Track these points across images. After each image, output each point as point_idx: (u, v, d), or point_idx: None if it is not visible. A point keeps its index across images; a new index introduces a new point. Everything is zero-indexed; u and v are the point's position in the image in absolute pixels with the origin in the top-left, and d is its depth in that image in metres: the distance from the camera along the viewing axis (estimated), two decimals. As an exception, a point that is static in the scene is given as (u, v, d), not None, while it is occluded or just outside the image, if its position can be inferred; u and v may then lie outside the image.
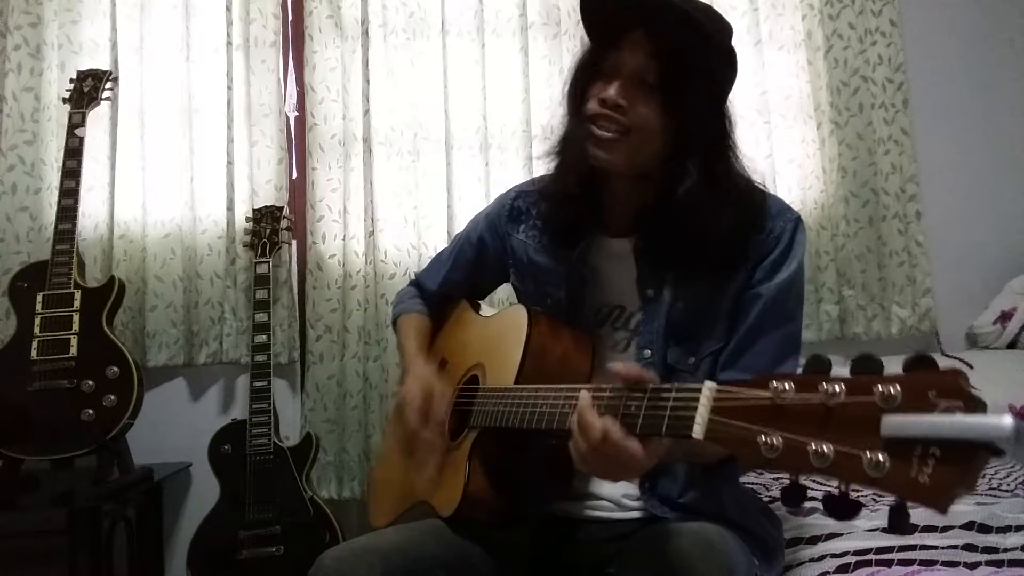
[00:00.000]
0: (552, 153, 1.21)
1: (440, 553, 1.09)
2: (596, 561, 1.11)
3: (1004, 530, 1.26)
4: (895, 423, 0.57)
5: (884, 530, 1.28)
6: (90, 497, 1.93)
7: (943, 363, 0.58)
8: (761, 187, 1.16)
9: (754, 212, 1.13)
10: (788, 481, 0.65)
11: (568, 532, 1.16)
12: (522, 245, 1.30)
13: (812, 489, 0.65)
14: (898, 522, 0.59)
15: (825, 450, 0.61)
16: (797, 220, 1.15)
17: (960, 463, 0.54)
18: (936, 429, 0.55)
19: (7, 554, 2.08)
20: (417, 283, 1.50)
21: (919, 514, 1.34)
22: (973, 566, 1.13)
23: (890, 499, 0.59)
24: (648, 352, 1.13)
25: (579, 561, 1.15)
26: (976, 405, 0.54)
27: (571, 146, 1.17)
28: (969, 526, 1.27)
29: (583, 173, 1.15)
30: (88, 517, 1.91)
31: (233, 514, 2.10)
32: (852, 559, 1.18)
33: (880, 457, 0.57)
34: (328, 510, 2.15)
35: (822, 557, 1.22)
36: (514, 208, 1.33)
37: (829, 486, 0.62)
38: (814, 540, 1.28)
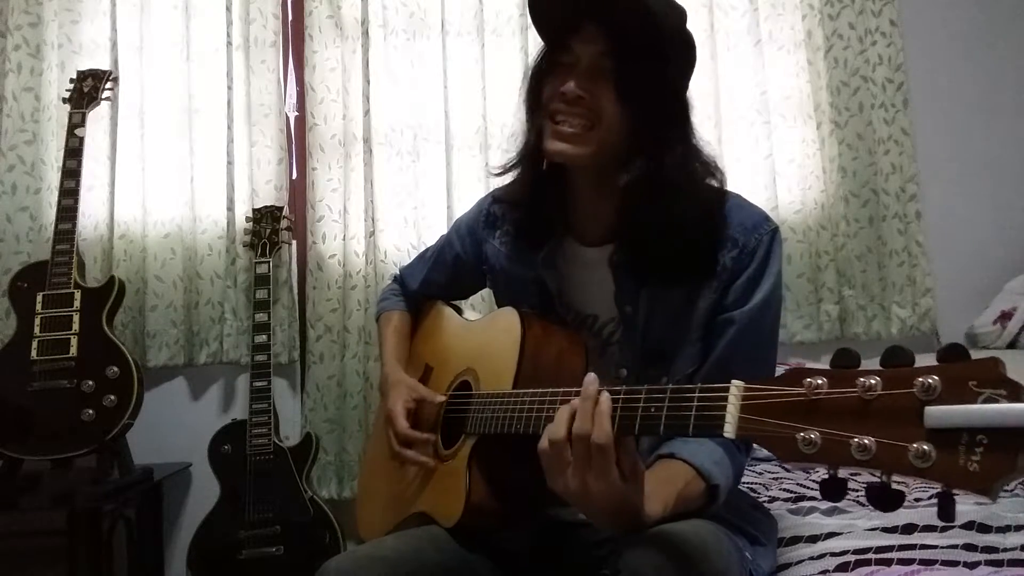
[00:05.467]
0: (516, 160, 1.20)
1: (441, 560, 1.08)
2: (592, 563, 1.11)
3: (1004, 530, 1.25)
4: (939, 414, 0.58)
5: (884, 530, 1.28)
6: (90, 497, 1.93)
7: (975, 354, 0.59)
8: (719, 183, 1.13)
9: (714, 207, 1.10)
10: (828, 476, 0.66)
11: (565, 536, 1.16)
12: (495, 252, 1.30)
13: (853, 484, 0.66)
14: (947, 510, 0.60)
15: (868, 443, 0.62)
16: (774, 232, 1.11)
17: (1009, 450, 0.55)
18: (983, 418, 0.56)
19: (7, 554, 2.08)
20: (401, 280, 1.51)
21: (918, 513, 1.33)
22: (973, 566, 1.13)
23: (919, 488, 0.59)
24: (625, 371, 1.12)
25: (577, 564, 1.15)
26: (1020, 392, 0.55)
27: (533, 148, 1.15)
28: (969, 526, 1.26)
29: (547, 174, 1.14)
30: (88, 517, 1.92)
31: (233, 514, 2.10)
32: (852, 558, 1.18)
33: (926, 447, 0.58)
34: (328, 510, 2.15)
35: (822, 555, 1.21)
36: (490, 214, 1.33)
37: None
38: (814, 539, 1.28)
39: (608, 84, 1.05)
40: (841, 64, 2.44)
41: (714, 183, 1.12)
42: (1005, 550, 1.18)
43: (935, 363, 0.61)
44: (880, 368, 0.64)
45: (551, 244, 1.19)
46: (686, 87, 1.12)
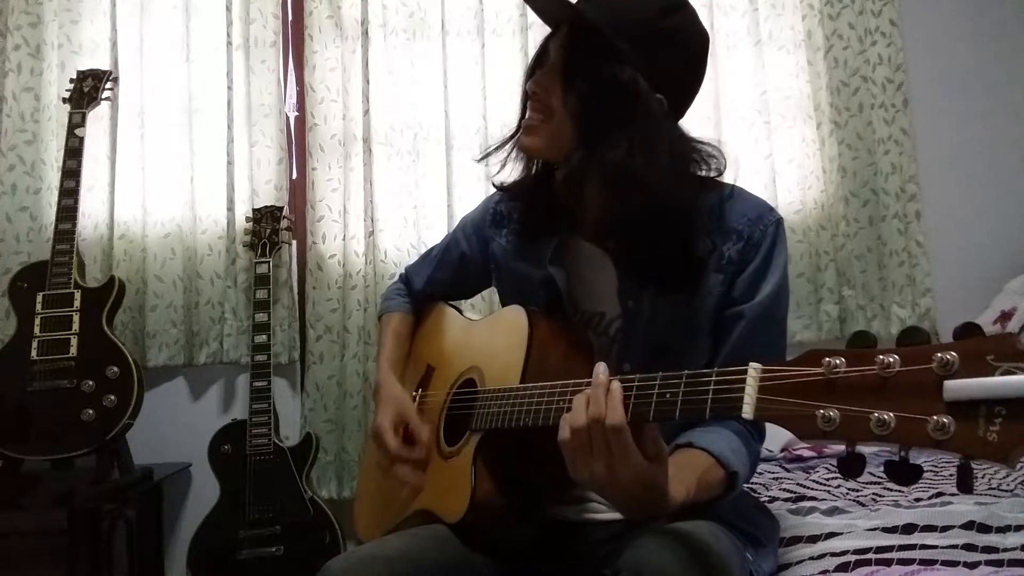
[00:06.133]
0: (506, 153, 1.23)
1: (443, 559, 1.08)
2: (594, 563, 1.11)
3: (1004, 530, 1.25)
4: (958, 387, 0.60)
5: (884, 530, 1.28)
6: (90, 497, 1.94)
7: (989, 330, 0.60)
8: (715, 171, 1.13)
9: (686, 201, 1.08)
10: (846, 452, 0.67)
11: (567, 535, 1.16)
12: (502, 250, 1.29)
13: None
14: (965, 481, 0.62)
15: (887, 418, 0.63)
16: (778, 223, 1.11)
17: None
18: (1001, 389, 0.58)
19: (7, 554, 2.08)
20: (406, 279, 1.51)
21: (918, 513, 1.33)
22: (973, 566, 1.13)
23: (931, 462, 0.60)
24: (628, 366, 1.11)
25: (578, 564, 1.15)
26: None
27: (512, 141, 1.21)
28: (969, 526, 1.26)
29: (533, 169, 1.19)
30: (88, 517, 1.92)
31: (233, 514, 2.10)
32: (852, 558, 1.18)
33: (945, 420, 0.60)
34: (328, 510, 2.15)
35: (822, 556, 1.21)
36: (496, 212, 1.33)
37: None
38: (814, 539, 1.28)
39: (561, 78, 1.09)
40: (841, 64, 2.43)
41: (702, 173, 1.11)
42: (1005, 550, 1.18)
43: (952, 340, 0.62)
44: (897, 347, 0.65)
45: (558, 241, 1.19)
46: (657, 80, 1.07)
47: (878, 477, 1.56)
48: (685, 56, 1.11)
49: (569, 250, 1.19)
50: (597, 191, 1.10)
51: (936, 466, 1.68)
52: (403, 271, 1.54)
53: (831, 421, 0.67)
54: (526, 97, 1.15)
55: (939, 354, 0.61)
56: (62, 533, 1.88)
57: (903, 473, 0.64)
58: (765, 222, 1.11)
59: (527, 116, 1.13)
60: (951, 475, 1.59)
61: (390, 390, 1.31)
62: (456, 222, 2.27)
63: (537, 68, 1.14)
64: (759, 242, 1.09)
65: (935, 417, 0.60)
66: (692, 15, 1.12)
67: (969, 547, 1.19)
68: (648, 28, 1.07)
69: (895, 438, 0.63)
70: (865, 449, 0.68)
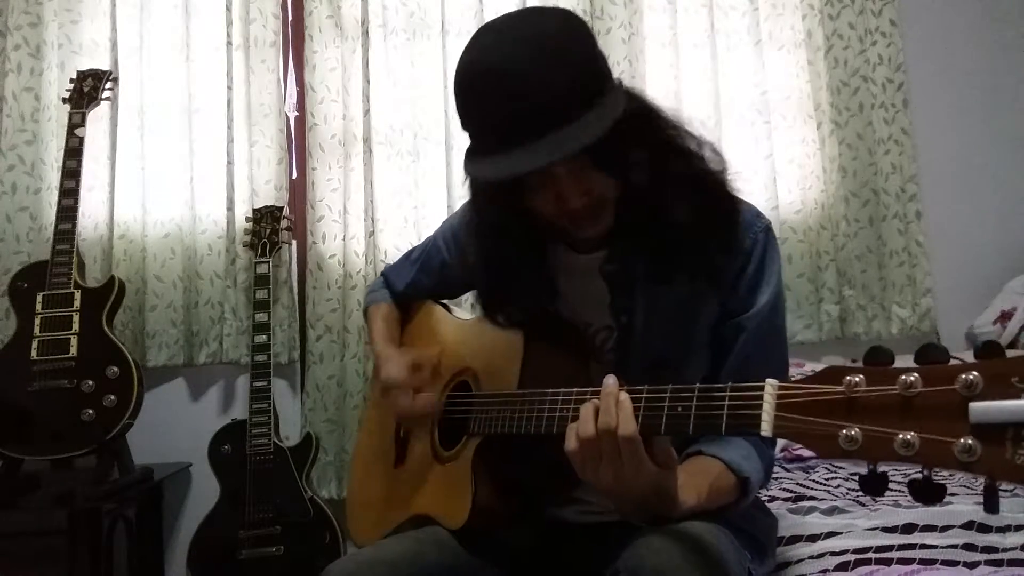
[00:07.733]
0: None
1: (443, 561, 1.08)
2: (595, 564, 1.11)
3: (1004, 530, 1.26)
4: (985, 409, 0.60)
5: (884, 529, 1.28)
6: (90, 497, 1.93)
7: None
8: (731, 190, 1.10)
9: (721, 210, 1.07)
10: (867, 471, 0.67)
11: (566, 537, 1.16)
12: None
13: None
14: (993, 502, 0.62)
15: (911, 439, 0.63)
16: (767, 230, 1.09)
17: None
18: None
19: (7, 554, 2.08)
20: (386, 280, 1.48)
21: (918, 513, 1.33)
22: (973, 565, 1.13)
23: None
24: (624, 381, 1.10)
25: (577, 564, 1.14)
26: None
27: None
28: (969, 526, 1.26)
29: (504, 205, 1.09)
30: (88, 517, 1.92)
31: (233, 514, 2.10)
32: (852, 557, 1.18)
33: (971, 442, 0.60)
34: (328, 510, 2.15)
35: (822, 555, 1.21)
36: None
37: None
38: (813, 538, 1.28)
39: (592, 172, 0.99)
40: (841, 64, 2.43)
41: (718, 174, 1.09)
42: (1005, 550, 1.18)
43: (973, 360, 0.62)
44: (918, 365, 0.65)
45: (550, 253, 1.16)
46: (622, 103, 0.99)
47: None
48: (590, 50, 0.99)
49: (560, 262, 1.16)
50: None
51: (936, 466, 1.67)
52: (383, 272, 1.51)
53: (854, 441, 0.66)
54: (515, 209, 1.06)
55: (963, 375, 0.61)
56: (62, 533, 1.88)
57: (927, 493, 0.64)
58: (755, 229, 1.09)
59: (576, 222, 1.02)
60: (951, 474, 1.59)
61: (392, 353, 1.28)
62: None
63: (519, 190, 1.02)
64: (750, 250, 1.07)
65: (962, 439, 0.60)
66: (574, 32, 0.97)
67: (969, 547, 1.19)
68: (592, 75, 0.96)
69: (920, 459, 0.63)
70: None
